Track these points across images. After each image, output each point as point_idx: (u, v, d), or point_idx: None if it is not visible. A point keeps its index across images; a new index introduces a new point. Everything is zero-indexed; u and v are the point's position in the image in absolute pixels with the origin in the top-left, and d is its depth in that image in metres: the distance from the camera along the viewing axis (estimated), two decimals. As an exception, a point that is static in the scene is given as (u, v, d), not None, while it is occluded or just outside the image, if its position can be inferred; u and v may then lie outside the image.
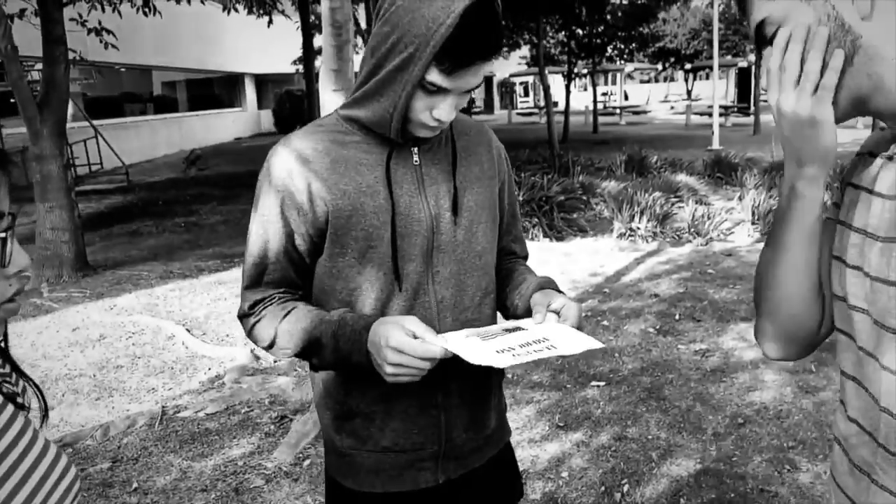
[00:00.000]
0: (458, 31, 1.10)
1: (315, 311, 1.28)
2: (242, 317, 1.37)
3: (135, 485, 3.27)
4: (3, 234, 0.79)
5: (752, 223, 7.91)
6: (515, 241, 1.55)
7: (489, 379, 1.42)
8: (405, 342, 1.11)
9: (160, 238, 9.16)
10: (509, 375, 4.28)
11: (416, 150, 1.31)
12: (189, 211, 11.16)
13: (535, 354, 1.13)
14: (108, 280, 7.06)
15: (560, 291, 1.38)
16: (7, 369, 0.92)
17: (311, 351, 1.27)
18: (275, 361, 4.70)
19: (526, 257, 1.59)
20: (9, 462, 0.79)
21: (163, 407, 4.05)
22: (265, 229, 1.31)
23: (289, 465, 3.38)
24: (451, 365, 1.19)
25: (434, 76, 1.15)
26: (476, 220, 1.36)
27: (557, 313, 1.29)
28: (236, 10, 10.93)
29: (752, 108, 21.40)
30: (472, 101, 30.76)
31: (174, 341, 5.17)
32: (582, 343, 1.19)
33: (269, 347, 1.33)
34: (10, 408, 0.84)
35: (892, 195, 0.87)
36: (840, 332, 0.97)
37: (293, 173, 1.26)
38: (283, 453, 3.47)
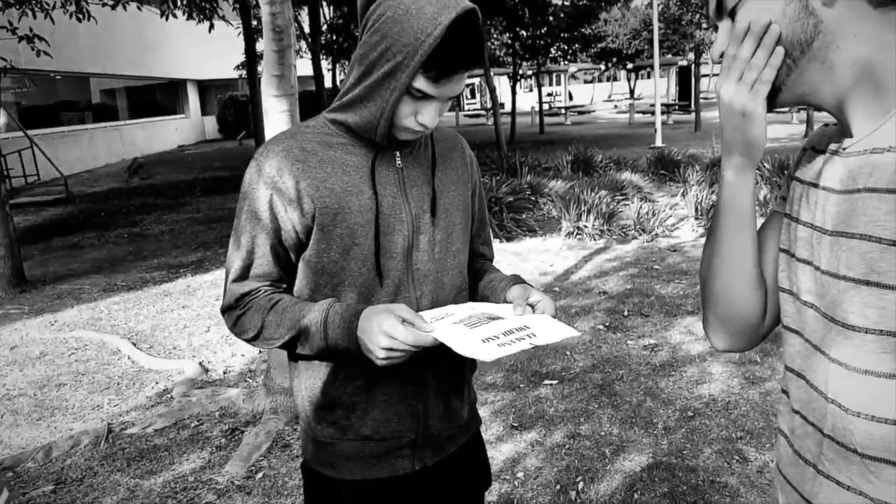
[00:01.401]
0: (445, 42, 1.19)
1: (301, 302, 1.33)
2: (227, 309, 1.39)
3: (80, 507, 3.17)
4: None
5: (696, 218, 8.10)
6: (484, 243, 1.64)
7: (463, 370, 1.50)
8: (398, 329, 1.17)
9: (102, 250, 8.91)
10: (463, 378, 4.28)
11: (398, 153, 1.39)
12: (132, 221, 10.89)
13: (517, 345, 1.18)
14: (48, 295, 6.84)
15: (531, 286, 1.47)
16: None
17: (298, 340, 1.31)
18: (224, 373, 4.61)
19: (492, 259, 1.67)
20: None
21: (108, 424, 3.94)
22: (253, 224, 1.34)
23: (241, 478, 3.32)
24: (428, 356, 1.27)
25: (421, 83, 1.23)
26: (452, 222, 1.44)
27: (533, 307, 1.36)
28: (174, 16, 10.70)
29: (693, 105, 21.91)
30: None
31: (119, 356, 5.03)
32: (559, 332, 1.24)
33: (254, 338, 1.36)
34: None
35: (837, 189, 0.89)
36: (786, 326, 0.99)
37: (283, 171, 1.31)
38: (234, 467, 3.40)
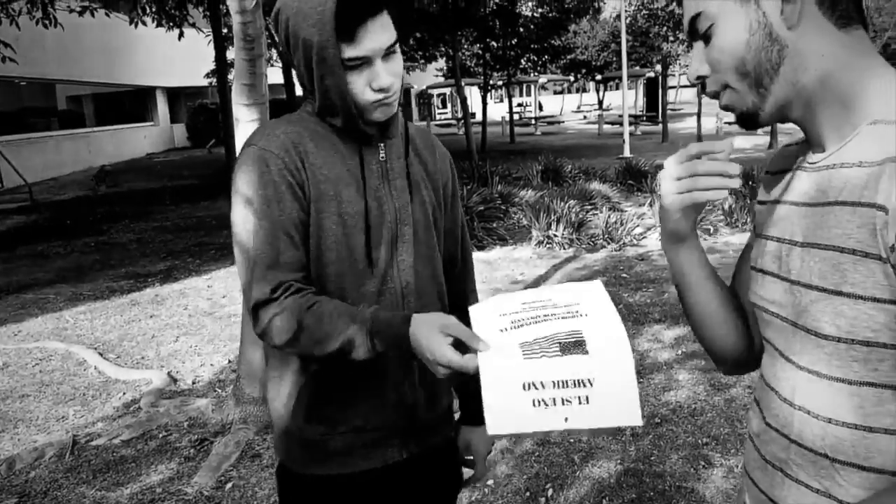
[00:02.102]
0: (341, 2, 1.22)
1: (342, 307, 1.26)
2: (262, 304, 1.26)
3: (42, 520, 3.12)
4: None
5: (663, 228, 8.21)
6: (456, 241, 1.63)
7: None
8: (452, 360, 1.12)
9: (68, 259, 8.77)
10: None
11: (381, 145, 1.41)
12: (99, 230, 10.73)
13: (556, 416, 1.01)
14: (12, 305, 6.71)
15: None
16: None
17: (340, 351, 1.24)
18: (193, 383, 4.57)
19: (467, 261, 1.67)
20: None
21: (74, 436, 3.88)
22: (269, 207, 1.28)
23: (210, 489, 3.30)
24: None
25: (347, 51, 1.25)
26: (430, 214, 1.47)
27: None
28: (143, 24, 10.61)
29: (660, 117, 22.23)
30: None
31: (85, 366, 4.96)
32: (621, 412, 1.02)
33: (287, 344, 1.26)
34: None
35: (806, 202, 0.92)
36: (763, 337, 1.03)
37: (289, 152, 1.31)
38: (203, 477, 3.38)
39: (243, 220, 1.30)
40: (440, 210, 1.53)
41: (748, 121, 0.98)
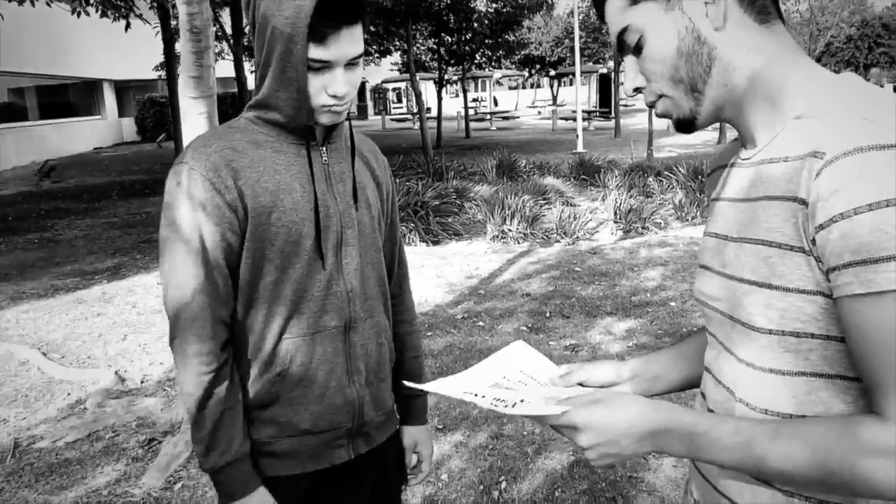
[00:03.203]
0: (322, 2, 1.21)
1: (235, 431, 1.35)
2: (203, 403, 1.32)
3: (-15, 525, 3.02)
4: None
5: (615, 222, 8.33)
6: (394, 245, 1.65)
7: (386, 361, 1.55)
8: None
9: (10, 256, 8.49)
10: (388, 381, 4.29)
11: (324, 148, 1.41)
12: (43, 226, 10.42)
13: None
14: (-50, 304, 6.48)
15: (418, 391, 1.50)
16: None
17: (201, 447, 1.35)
18: (141, 382, 4.47)
19: (403, 265, 1.70)
20: None
21: (15, 439, 3.76)
22: (196, 235, 1.29)
23: (159, 490, 3.23)
24: (357, 346, 1.42)
25: (314, 52, 1.24)
26: (373, 217, 1.48)
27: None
28: (87, 14, 10.32)
29: (613, 112, 22.53)
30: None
31: (28, 367, 4.81)
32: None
33: (202, 444, 1.34)
34: None
35: (739, 198, 0.94)
36: (707, 330, 1.05)
37: (220, 171, 1.29)
38: (152, 478, 3.31)
39: (171, 251, 1.31)
40: (383, 215, 1.55)
41: (686, 126, 0.99)
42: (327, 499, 1.48)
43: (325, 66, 1.27)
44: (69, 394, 4.34)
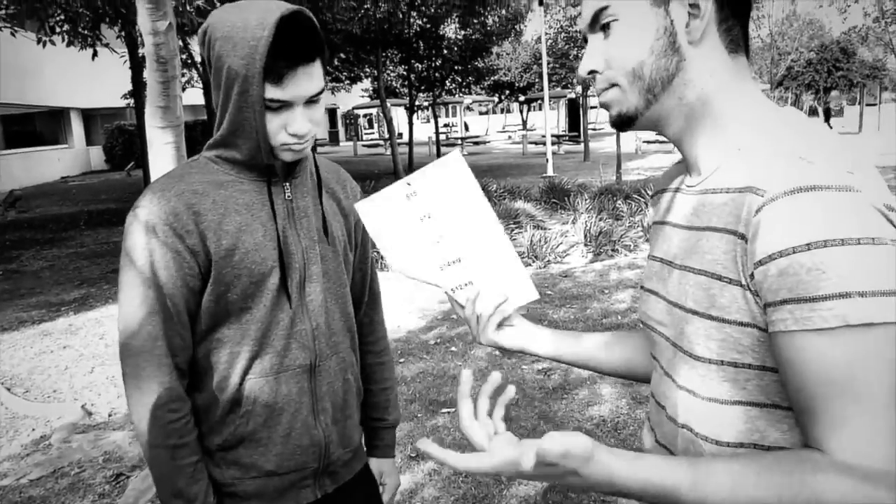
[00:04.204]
0: (277, 41, 1.20)
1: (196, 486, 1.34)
2: (173, 436, 1.30)
3: (-56, 568, 2.93)
4: None
5: (585, 244, 8.41)
6: (364, 275, 1.64)
7: (353, 397, 1.52)
8: None
9: (-27, 289, 8.32)
10: (360, 409, 4.26)
11: (287, 184, 1.39)
12: (8, 258, 10.23)
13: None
14: (-90, 339, 6.32)
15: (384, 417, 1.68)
16: None
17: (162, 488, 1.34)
18: (109, 415, 4.39)
19: (374, 294, 1.69)
20: None
21: (-22, 477, 3.67)
22: (154, 284, 1.28)
23: (126, 526, 3.17)
24: (322, 384, 1.41)
25: (271, 92, 1.23)
26: (339, 251, 1.46)
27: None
28: (52, 43, 10.25)
29: (582, 136, 22.83)
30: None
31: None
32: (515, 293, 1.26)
33: (144, 449, 1.32)
34: None
35: (682, 225, 0.96)
36: (652, 354, 1.05)
37: (180, 215, 1.27)
38: (119, 514, 3.24)
39: (130, 297, 1.30)
40: (351, 246, 1.53)
41: (625, 123, 0.98)
42: None
43: (283, 105, 1.25)
44: (34, 429, 4.25)
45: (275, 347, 1.35)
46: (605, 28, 0.95)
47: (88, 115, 27.65)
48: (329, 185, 1.49)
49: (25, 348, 5.87)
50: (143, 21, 3.41)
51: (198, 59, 14.66)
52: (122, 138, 27.01)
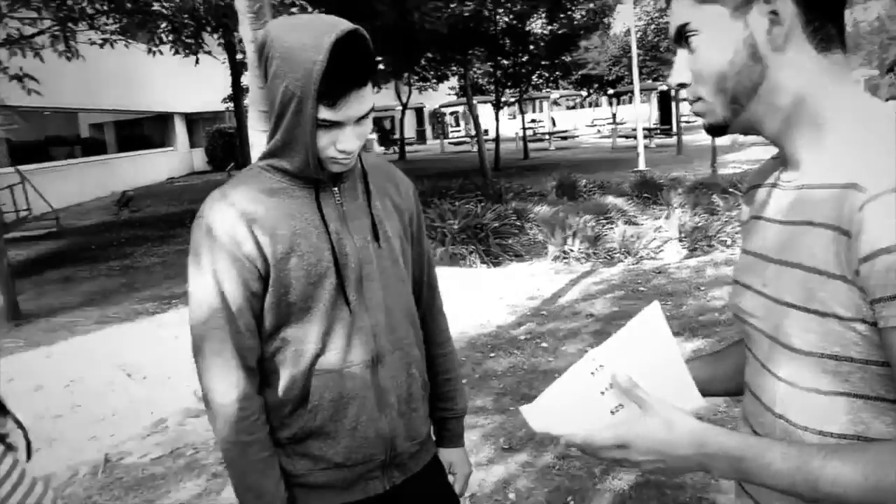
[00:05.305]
0: (331, 65, 1.23)
1: (271, 481, 1.42)
2: (246, 432, 1.38)
3: (81, 535, 3.22)
4: None
5: (680, 240, 8.26)
6: (422, 269, 1.67)
7: (418, 390, 1.56)
8: None
9: (94, 283, 8.96)
10: (454, 401, 4.37)
11: (336, 189, 1.44)
12: (123, 254, 10.93)
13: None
14: (43, 328, 6.88)
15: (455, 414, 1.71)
16: None
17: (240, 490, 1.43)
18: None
19: (433, 287, 1.72)
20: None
21: (106, 454, 4.00)
22: (219, 289, 1.35)
23: None
24: (385, 379, 1.45)
25: (324, 113, 1.27)
26: (394, 249, 1.49)
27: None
28: (160, 53, 10.87)
29: (675, 129, 22.26)
30: (389, 133, 31.21)
31: (114, 387, 5.09)
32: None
33: (244, 493, 1.41)
34: None
35: (779, 220, 0.97)
36: (746, 346, 1.07)
37: (236, 226, 1.35)
38: (231, 494, 3.46)
39: (198, 303, 1.38)
40: (408, 241, 1.57)
41: (717, 131, 1.01)
42: None
43: (334, 124, 1.30)
44: (152, 412, 4.57)
45: (337, 345, 1.41)
46: (689, 42, 0.98)
47: (191, 119, 29.03)
48: (380, 185, 1.53)
49: (142, 338, 6.29)
50: (245, 30, 3.61)
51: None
52: (221, 140, 28.17)
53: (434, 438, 1.71)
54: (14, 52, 8.70)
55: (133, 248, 11.35)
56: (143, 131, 27.42)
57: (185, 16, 10.48)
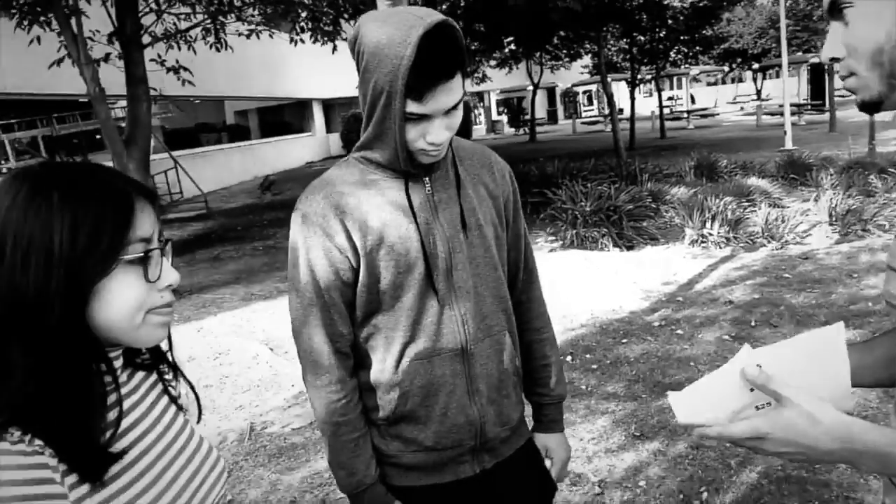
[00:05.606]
0: (419, 59, 1.23)
1: (363, 458, 1.49)
2: (341, 412, 1.45)
3: (229, 497, 3.46)
4: (150, 254, 0.92)
5: (830, 224, 7.69)
6: (518, 255, 1.65)
7: (509, 377, 1.57)
8: None
9: (240, 262, 9.54)
10: (583, 387, 4.32)
11: (427, 179, 1.45)
12: (266, 235, 11.56)
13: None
14: (194, 304, 7.41)
15: (554, 398, 1.70)
16: (171, 375, 1.10)
17: (336, 468, 1.51)
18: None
19: (530, 270, 1.69)
20: (173, 453, 0.99)
21: (251, 423, 4.26)
22: (316, 283, 1.41)
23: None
24: (476, 366, 1.47)
25: (412, 107, 1.28)
26: (486, 236, 1.50)
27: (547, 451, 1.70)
28: (302, 42, 11.33)
29: (827, 104, 20.71)
30: (525, 115, 30.88)
31: (258, 360, 5.41)
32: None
33: (339, 469, 1.48)
34: (173, 408, 1.05)
35: None
36: None
37: (329, 218, 1.40)
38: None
39: (295, 291, 1.45)
40: (503, 226, 1.57)
41: (871, 107, 0.96)
42: None
43: (422, 117, 1.31)
44: (293, 385, 4.82)
45: (426, 333, 1.44)
46: (843, 14, 0.93)
47: (327, 105, 30.15)
48: (473, 172, 1.53)
49: (284, 315, 6.62)
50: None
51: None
52: (356, 125, 29.04)
53: (531, 423, 1.72)
54: (170, 45, 9.34)
55: (275, 230, 11.97)
56: (284, 117, 28.77)
57: (325, 4, 10.85)
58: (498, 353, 1.52)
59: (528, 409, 1.71)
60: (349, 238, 1.39)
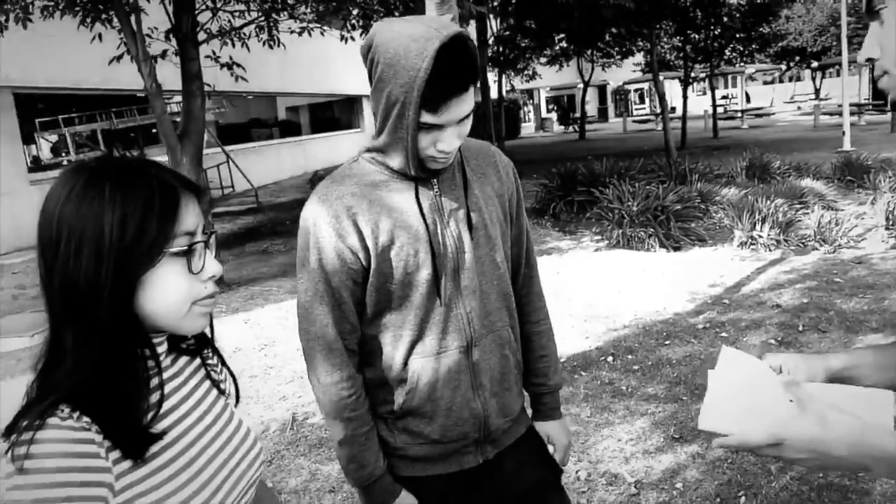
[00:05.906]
0: (435, 71, 1.26)
1: (370, 451, 1.54)
2: (349, 408, 1.50)
3: (270, 484, 3.54)
4: (193, 247, 0.97)
5: (887, 228, 7.47)
6: (520, 251, 1.69)
7: (511, 371, 1.62)
8: None
9: (288, 256, 9.70)
10: (623, 388, 4.29)
11: (435, 181, 1.49)
12: (313, 229, 11.70)
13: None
14: (242, 296, 7.58)
15: (550, 385, 1.75)
16: (215, 360, 1.16)
17: (343, 459, 1.57)
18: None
19: (531, 265, 1.74)
20: (212, 434, 1.05)
21: (293, 414, 4.35)
22: (323, 279, 1.45)
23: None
24: (480, 362, 1.52)
25: (426, 117, 1.32)
26: (492, 236, 1.54)
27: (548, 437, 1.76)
28: (352, 39, 11.46)
29: (889, 105, 20.01)
30: (569, 111, 30.61)
31: (302, 353, 5.49)
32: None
33: (348, 463, 1.53)
34: (214, 392, 1.11)
35: None
36: None
37: (340, 217, 1.43)
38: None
39: (305, 288, 1.48)
40: (507, 223, 1.61)
41: None
42: (463, 497, 1.61)
43: (434, 127, 1.34)
44: (335, 378, 4.90)
45: (433, 331, 1.48)
46: (879, 14, 0.92)
47: (377, 101, 30.34)
48: (480, 171, 1.57)
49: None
50: (430, 13, 3.73)
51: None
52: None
53: (531, 412, 1.78)
54: (224, 42, 9.54)
55: (323, 224, 12.12)
56: (334, 114, 29.09)
57: (376, 2, 10.95)
58: (500, 347, 1.58)
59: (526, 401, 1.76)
60: (361, 238, 1.43)
